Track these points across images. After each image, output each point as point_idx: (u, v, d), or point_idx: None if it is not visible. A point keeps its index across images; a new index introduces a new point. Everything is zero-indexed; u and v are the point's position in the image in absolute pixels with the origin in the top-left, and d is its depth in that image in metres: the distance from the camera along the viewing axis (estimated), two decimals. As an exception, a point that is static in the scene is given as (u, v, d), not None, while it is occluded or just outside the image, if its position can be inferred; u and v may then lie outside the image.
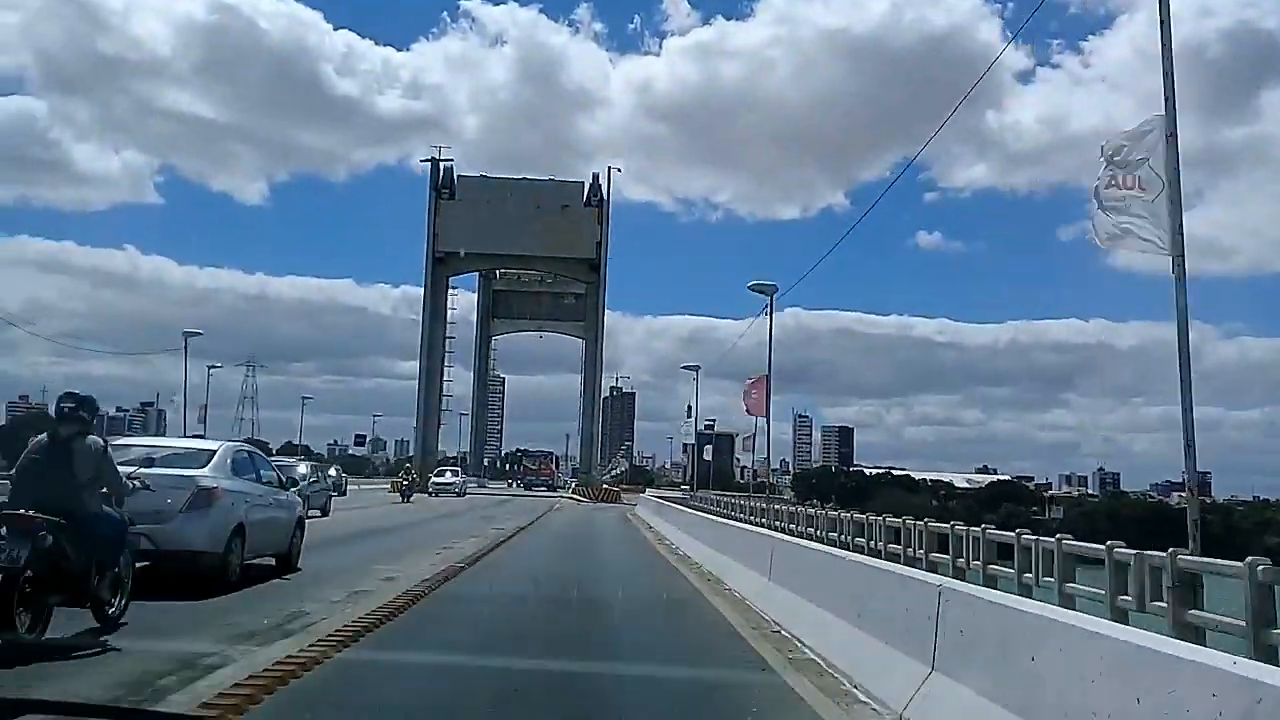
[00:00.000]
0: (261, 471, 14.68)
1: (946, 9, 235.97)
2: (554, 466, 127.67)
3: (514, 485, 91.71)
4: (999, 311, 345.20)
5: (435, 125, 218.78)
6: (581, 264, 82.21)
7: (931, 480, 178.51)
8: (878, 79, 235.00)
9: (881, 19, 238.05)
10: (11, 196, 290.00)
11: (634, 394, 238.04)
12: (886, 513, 25.74)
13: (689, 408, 64.39)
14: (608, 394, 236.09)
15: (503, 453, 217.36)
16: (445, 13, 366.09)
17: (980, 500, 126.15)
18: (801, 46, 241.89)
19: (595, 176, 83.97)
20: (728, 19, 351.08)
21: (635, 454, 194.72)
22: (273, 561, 14.59)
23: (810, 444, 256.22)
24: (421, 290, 75.90)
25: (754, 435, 76.21)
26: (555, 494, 79.92)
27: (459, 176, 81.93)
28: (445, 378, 79.09)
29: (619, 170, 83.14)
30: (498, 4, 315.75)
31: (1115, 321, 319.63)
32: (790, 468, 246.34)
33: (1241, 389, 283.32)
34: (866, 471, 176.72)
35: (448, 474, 66.25)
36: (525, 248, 79.24)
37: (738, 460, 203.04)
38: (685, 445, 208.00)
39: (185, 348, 55.41)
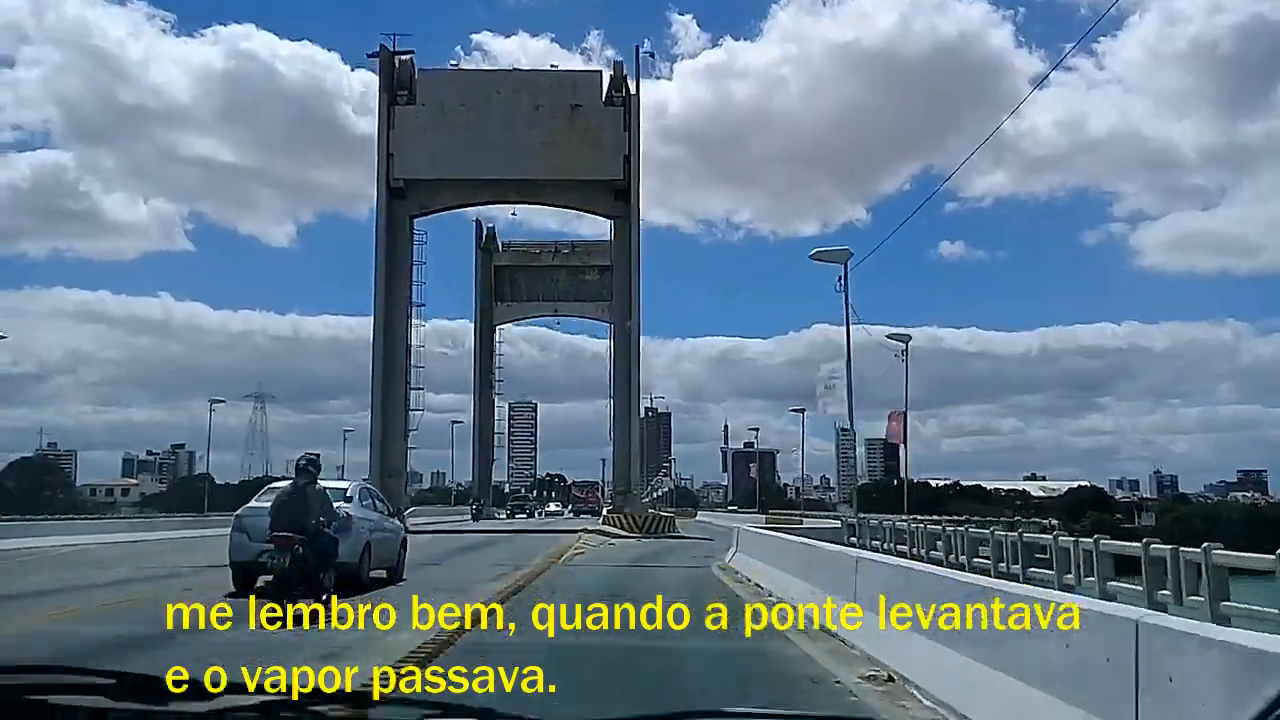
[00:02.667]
0: (376, 503, 17.58)
1: (956, 18, 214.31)
2: (600, 493, 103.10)
3: (516, 516, 61.98)
4: (1028, 318, 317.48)
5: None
6: (603, 189, 49.25)
7: (1005, 490, 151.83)
8: (890, 90, 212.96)
9: (890, 30, 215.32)
10: (46, 249, 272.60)
11: (669, 414, 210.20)
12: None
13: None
14: (643, 415, 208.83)
15: (537, 477, 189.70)
16: (459, 47, 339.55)
17: (1061, 509, 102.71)
18: (811, 63, 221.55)
19: (618, 65, 51.89)
20: (736, 39, 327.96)
21: (675, 475, 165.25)
22: (385, 573, 16.79)
23: (854, 458, 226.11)
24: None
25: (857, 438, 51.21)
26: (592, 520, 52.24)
27: (421, 72, 50.13)
28: (415, 362, 49.14)
29: (650, 54, 53.03)
30: (509, 36, 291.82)
31: (1147, 323, 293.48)
32: (834, 483, 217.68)
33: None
34: (932, 483, 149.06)
35: None
36: (520, 169, 47.66)
37: (779, 478, 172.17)
38: (726, 458, 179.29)
39: None
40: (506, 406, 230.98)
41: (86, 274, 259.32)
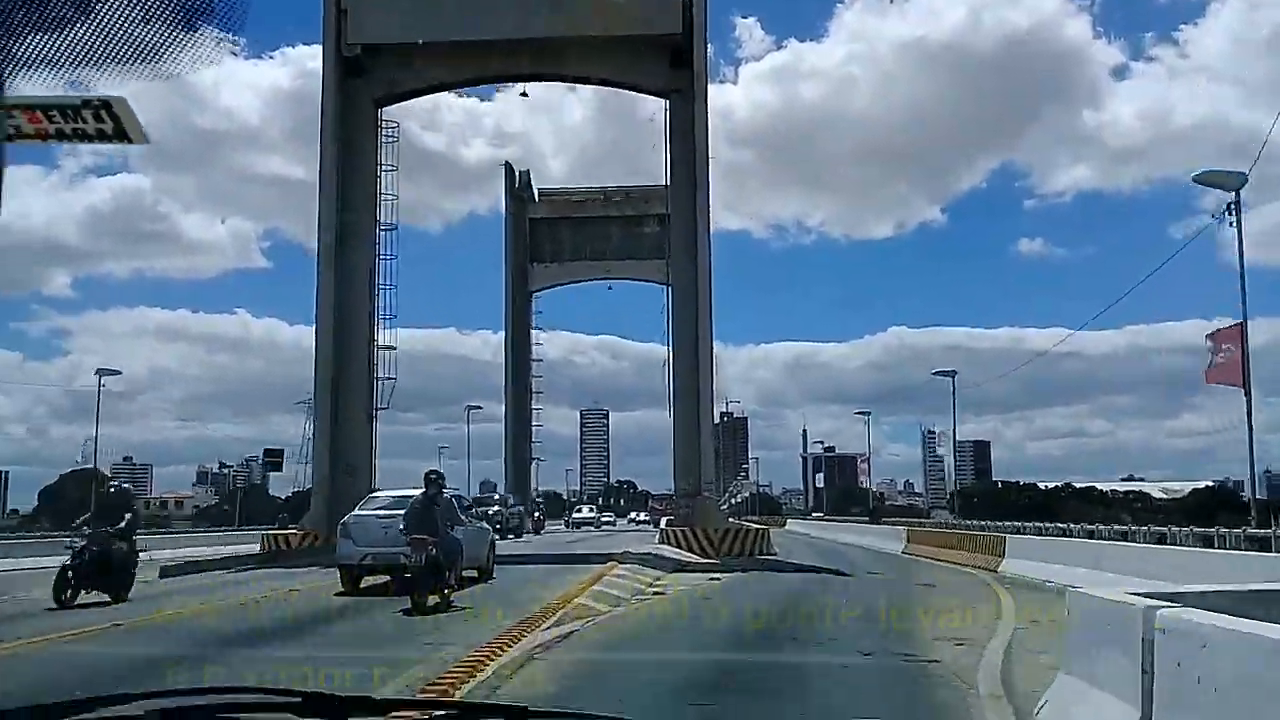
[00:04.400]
0: (466, 509, 18.34)
1: (1027, 9, 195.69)
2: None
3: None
4: (1116, 317, 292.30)
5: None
6: (653, 51, 31.17)
7: (1123, 492, 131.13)
8: (962, 86, 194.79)
9: (961, 24, 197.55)
10: (128, 270, 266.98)
11: (746, 419, 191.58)
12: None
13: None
14: (718, 420, 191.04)
15: (609, 484, 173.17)
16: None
17: (1188, 512, 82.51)
18: (879, 61, 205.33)
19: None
20: (801, 40, 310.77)
21: (755, 481, 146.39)
22: (476, 572, 17.25)
23: (941, 463, 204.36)
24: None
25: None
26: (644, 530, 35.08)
27: (389, -113, 28.91)
28: (382, 314, 31.94)
29: None
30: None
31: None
32: (920, 488, 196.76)
33: None
34: (1041, 486, 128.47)
35: None
36: (533, 24, 30.05)
37: (862, 479, 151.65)
38: (807, 464, 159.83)
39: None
40: (578, 414, 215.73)
41: (167, 293, 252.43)
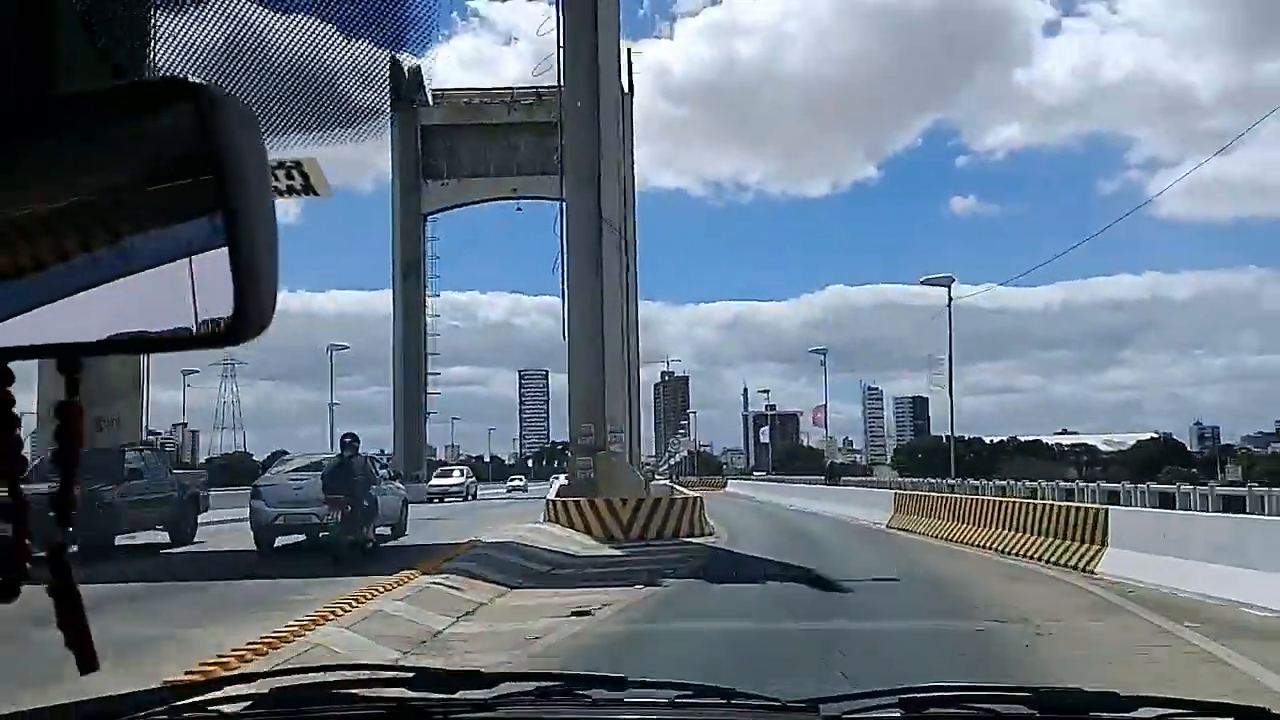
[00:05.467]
0: (380, 470, 18.13)
1: None
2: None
3: None
4: (1046, 273, 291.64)
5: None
6: None
7: (1067, 445, 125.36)
8: (897, 44, 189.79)
9: None
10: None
11: (687, 378, 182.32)
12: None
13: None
14: (659, 379, 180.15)
15: (545, 445, 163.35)
16: (455, 14, 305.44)
17: (1136, 464, 75.51)
18: (816, 18, 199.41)
19: None
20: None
21: (695, 439, 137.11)
22: (389, 529, 16.97)
23: (881, 419, 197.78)
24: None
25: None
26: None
27: None
28: None
29: None
30: (504, 1, 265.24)
31: (1168, 273, 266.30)
32: (859, 445, 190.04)
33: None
34: (986, 440, 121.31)
35: None
36: None
37: (804, 437, 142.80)
38: (748, 421, 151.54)
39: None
40: (517, 374, 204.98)
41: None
